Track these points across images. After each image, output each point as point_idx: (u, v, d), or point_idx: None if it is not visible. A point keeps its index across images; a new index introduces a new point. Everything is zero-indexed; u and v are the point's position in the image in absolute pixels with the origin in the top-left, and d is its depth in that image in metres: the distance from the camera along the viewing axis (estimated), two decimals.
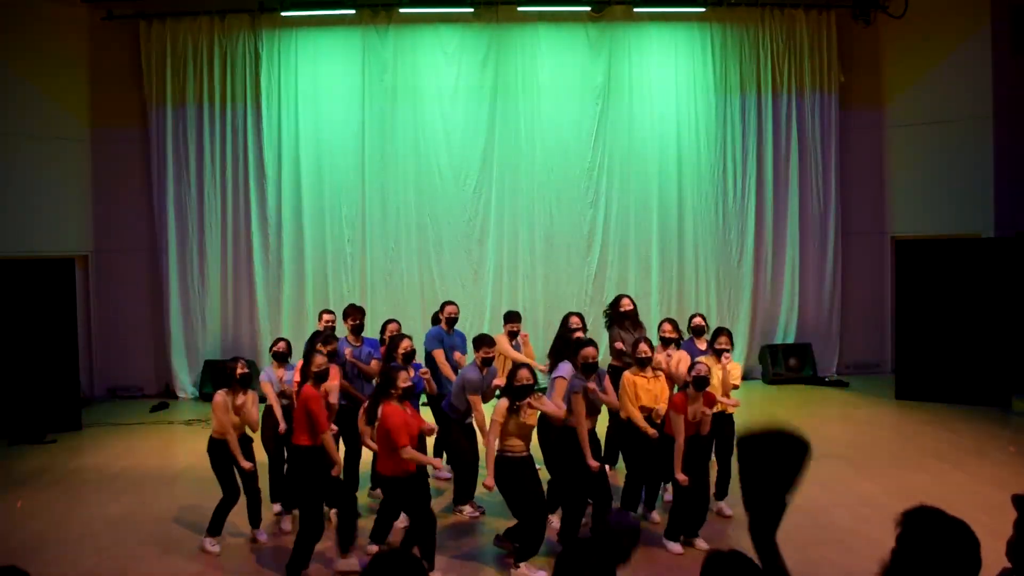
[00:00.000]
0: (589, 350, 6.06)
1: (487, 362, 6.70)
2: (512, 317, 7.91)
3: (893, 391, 11.09)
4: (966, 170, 11.76)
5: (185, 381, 12.19)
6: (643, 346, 6.47)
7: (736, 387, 6.82)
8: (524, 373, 5.71)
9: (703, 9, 12.39)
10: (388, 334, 7.32)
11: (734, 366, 6.83)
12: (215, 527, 6.27)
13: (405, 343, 6.65)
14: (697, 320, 7.54)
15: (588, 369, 6.00)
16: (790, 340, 12.68)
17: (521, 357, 7.39)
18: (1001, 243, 10.86)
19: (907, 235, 12.27)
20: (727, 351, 6.74)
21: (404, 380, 5.61)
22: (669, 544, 6.06)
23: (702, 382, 6.00)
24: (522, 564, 5.65)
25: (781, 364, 12.39)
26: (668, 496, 6.93)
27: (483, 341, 6.75)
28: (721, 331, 6.89)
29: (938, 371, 10.66)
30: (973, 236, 11.45)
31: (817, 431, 9.49)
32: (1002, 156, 11.47)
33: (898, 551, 2.41)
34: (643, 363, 6.42)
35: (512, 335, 7.75)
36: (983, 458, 8.17)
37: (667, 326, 7.22)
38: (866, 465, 8.00)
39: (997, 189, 11.47)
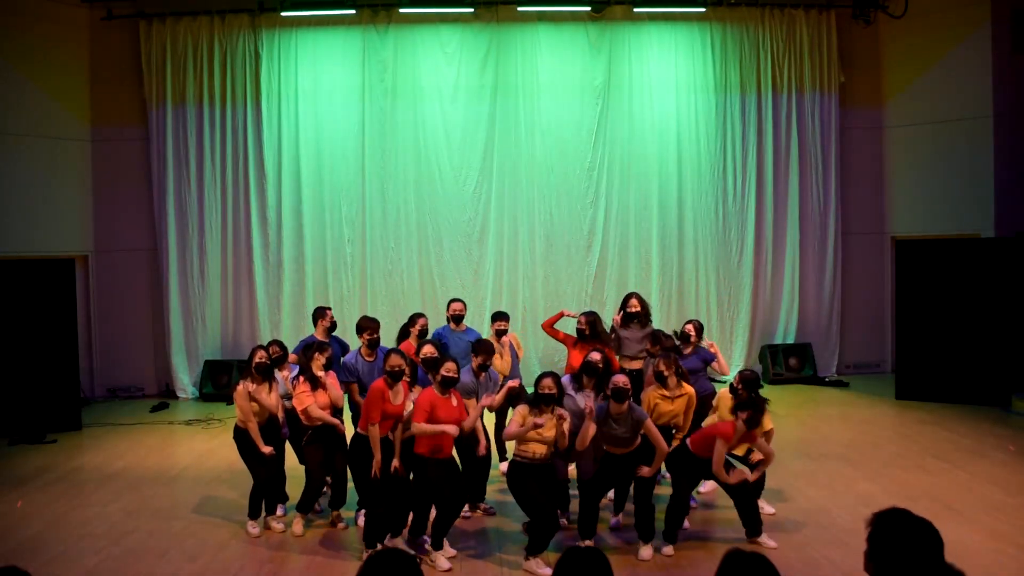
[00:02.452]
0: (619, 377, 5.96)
1: (483, 368, 6.70)
2: (497, 316, 7.91)
3: (893, 391, 11.09)
4: (966, 170, 11.76)
5: (185, 381, 12.19)
6: (660, 363, 6.40)
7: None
8: (548, 382, 5.77)
9: (703, 9, 12.39)
10: (418, 327, 7.46)
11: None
12: (254, 511, 6.51)
13: (426, 349, 6.66)
14: (688, 327, 7.53)
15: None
16: (790, 340, 12.68)
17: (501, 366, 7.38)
18: (1001, 243, 10.86)
19: (907, 235, 12.27)
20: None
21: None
22: (663, 547, 6.06)
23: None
24: (531, 558, 5.71)
25: (781, 364, 12.39)
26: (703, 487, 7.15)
27: (481, 348, 6.74)
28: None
29: (938, 371, 10.67)
30: (973, 236, 11.46)
31: (817, 431, 9.52)
32: (1002, 156, 11.47)
33: (869, 549, 2.69)
34: (661, 380, 6.37)
35: (499, 334, 7.72)
36: (983, 458, 8.17)
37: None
38: (866, 465, 7.99)
39: (997, 189, 11.47)
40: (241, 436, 6.48)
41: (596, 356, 6.43)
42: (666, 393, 6.34)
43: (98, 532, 6.58)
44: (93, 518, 6.93)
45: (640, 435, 5.94)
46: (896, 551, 2.60)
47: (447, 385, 5.92)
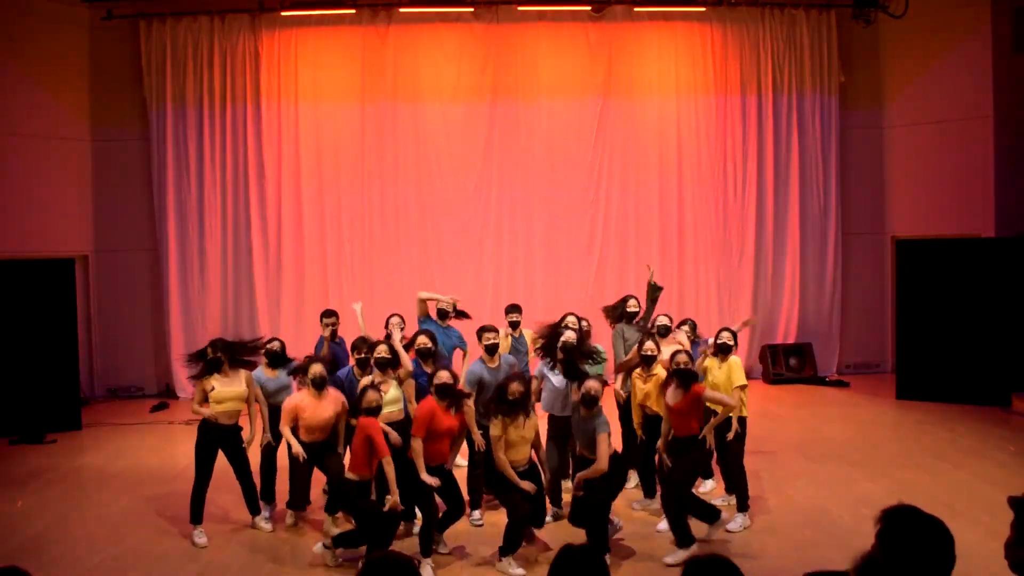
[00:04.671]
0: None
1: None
2: (511, 309, 7.99)
3: (893, 391, 11.09)
4: (966, 170, 11.75)
5: (185, 381, 12.18)
6: (648, 344, 6.62)
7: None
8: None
9: (703, 9, 12.40)
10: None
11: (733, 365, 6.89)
12: (268, 495, 6.83)
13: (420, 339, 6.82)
14: (726, 336, 7.25)
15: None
16: (790, 340, 12.67)
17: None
18: (1001, 243, 10.86)
19: (907, 235, 12.27)
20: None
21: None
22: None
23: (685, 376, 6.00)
24: (504, 558, 5.71)
25: (781, 364, 12.39)
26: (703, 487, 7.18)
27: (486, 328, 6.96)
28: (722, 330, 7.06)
29: (938, 371, 10.66)
30: (973, 236, 11.46)
31: (817, 431, 9.52)
32: (1002, 156, 11.47)
33: (878, 547, 2.60)
34: (649, 361, 6.61)
35: (512, 326, 7.80)
36: (983, 458, 8.17)
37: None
38: (866, 465, 7.99)
39: (997, 189, 11.47)
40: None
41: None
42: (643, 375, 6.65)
43: (98, 532, 6.59)
44: (93, 518, 6.93)
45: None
46: (907, 550, 2.53)
47: (442, 394, 5.86)
